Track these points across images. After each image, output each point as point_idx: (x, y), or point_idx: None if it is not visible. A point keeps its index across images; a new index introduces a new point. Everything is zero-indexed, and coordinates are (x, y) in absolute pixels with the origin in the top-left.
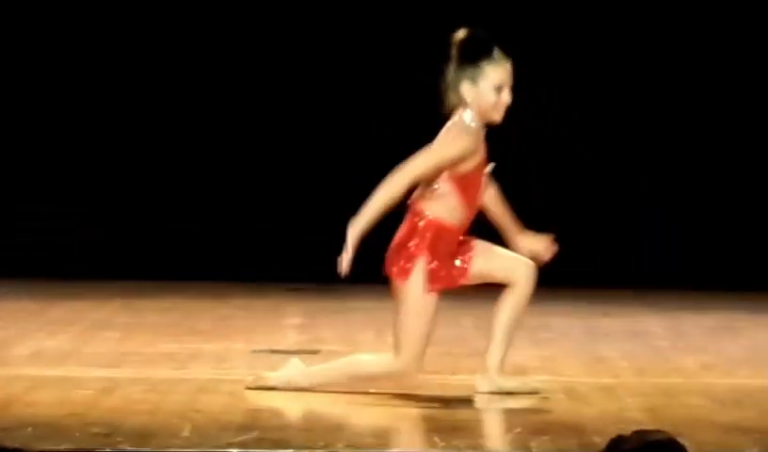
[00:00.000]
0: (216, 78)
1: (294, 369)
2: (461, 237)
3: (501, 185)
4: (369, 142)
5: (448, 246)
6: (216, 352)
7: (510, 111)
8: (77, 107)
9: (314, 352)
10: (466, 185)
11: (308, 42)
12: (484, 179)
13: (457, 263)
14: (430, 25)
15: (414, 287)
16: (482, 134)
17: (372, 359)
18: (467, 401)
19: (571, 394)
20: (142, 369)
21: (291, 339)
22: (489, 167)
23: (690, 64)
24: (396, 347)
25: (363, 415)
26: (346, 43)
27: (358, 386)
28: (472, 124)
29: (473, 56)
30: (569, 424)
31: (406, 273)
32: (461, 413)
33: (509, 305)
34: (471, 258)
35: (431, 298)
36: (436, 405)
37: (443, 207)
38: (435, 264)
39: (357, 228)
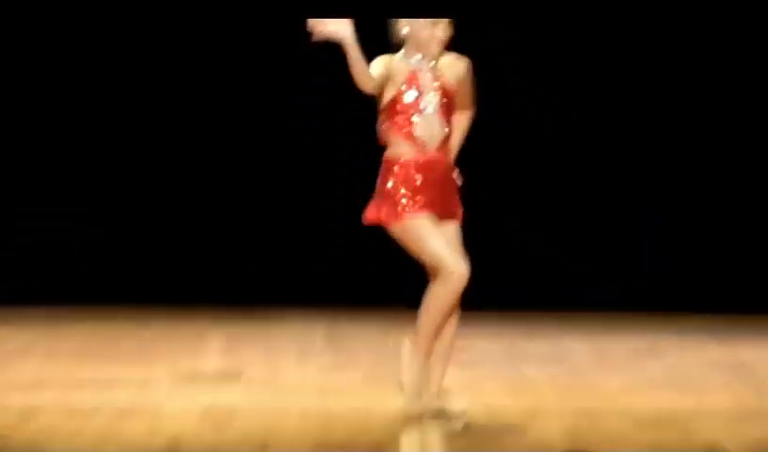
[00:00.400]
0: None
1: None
2: (449, 184)
3: (501, 185)
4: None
5: (413, 178)
6: (136, 378)
7: (511, 112)
8: None
9: (236, 377)
10: (393, 116)
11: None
12: (416, 111)
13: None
14: None
15: (400, 222)
16: (418, 65)
17: (434, 288)
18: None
19: (493, 416)
20: (63, 395)
21: (211, 363)
22: (426, 101)
23: (688, 65)
24: (435, 270)
25: (286, 434)
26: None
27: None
28: (396, 55)
29: None
30: (493, 447)
31: (391, 215)
32: (381, 435)
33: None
34: (444, 219)
35: (420, 221)
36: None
37: (391, 144)
38: (405, 194)
39: (350, 38)
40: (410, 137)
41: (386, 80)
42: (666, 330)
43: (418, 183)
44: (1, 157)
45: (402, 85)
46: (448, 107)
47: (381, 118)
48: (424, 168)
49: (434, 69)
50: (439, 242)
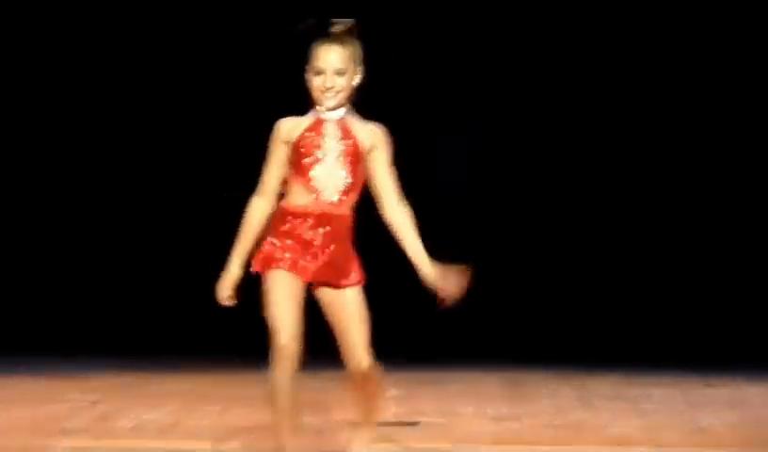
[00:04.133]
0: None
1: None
2: (341, 245)
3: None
4: None
5: (295, 229)
6: (314, 425)
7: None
8: None
9: (413, 424)
10: (292, 165)
11: None
12: (315, 158)
13: (311, 266)
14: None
15: (261, 271)
16: (324, 116)
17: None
18: None
19: None
20: (246, 441)
21: (389, 411)
22: (326, 148)
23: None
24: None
25: None
26: None
27: None
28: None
29: (307, 44)
30: None
31: (256, 262)
32: None
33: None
34: (333, 283)
35: (277, 277)
36: None
37: (288, 191)
38: (276, 244)
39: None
40: (306, 184)
41: (286, 151)
42: None
43: (302, 235)
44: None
45: (302, 136)
46: (353, 160)
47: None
48: (315, 219)
49: (341, 122)
50: (282, 308)
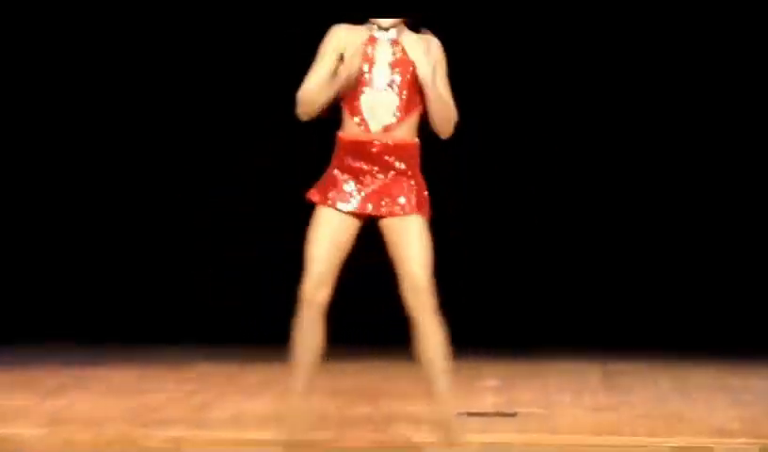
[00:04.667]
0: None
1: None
2: (396, 174)
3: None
4: None
5: (345, 160)
6: (413, 415)
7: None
8: None
9: (512, 415)
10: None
11: None
12: (363, 84)
13: (358, 196)
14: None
15: (315, 201)
16: (377, 35)
17: None
18: None
19: None
20: (340, 432)
21: (487, 401)
22: (375, 74)
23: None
24: None
25: None
26: None
27: None
28: (353, 25)
29: None
30: None
31: (311, 193)
32: None
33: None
34: (392, 213)
35: (324, 217)
36: None
37: (342, 119)
38: (331, 177)
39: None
40: (354, 112)
41: (335, 62)
42: None
43: (355, 166)
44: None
45: (354, 55)
46: (406, 87)
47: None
48: (362, 149)
49: (393, 43)
50: (319, 249)
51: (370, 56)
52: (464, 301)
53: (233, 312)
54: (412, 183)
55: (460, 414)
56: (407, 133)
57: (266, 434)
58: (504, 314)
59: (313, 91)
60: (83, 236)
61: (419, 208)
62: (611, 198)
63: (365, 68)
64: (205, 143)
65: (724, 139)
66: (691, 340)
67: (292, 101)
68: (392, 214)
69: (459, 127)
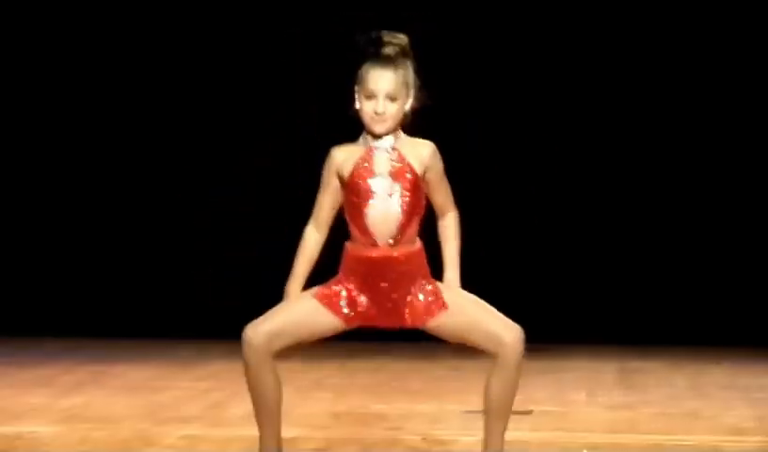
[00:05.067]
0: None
1: None
2: (408, 281)
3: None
4: None
5: (352, 271)
6: (429, 413)
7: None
8: None
9: (527, 413)
10: (346, 205)
11: None
12: (368, 197)
13: (372, 310)
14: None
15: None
16: (375, 145)
17: None
18: None
19: None
20: (355, 430)
21: None
22: (377, 185)
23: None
24: None
25: None
26: None
27: None
28: (349, 144)
29: (359, 59)
30: None
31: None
32: None
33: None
34: (422, 321)
35: (307, 299)
36: None
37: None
38: (332, 285)
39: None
40: (360, 227)
41: (338, 185)
42: None
43: (366, 282)
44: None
45: (354, 172)
46: (408, 194)
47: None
48: (377, 265)
49: (392, 150)
50: (284, 312)
51: (370, 168)
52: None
53: (252, 308)
54: (424, 283)
55: (475, 412)
56: (412, 239)
57: (282, 432)
58: (520, 313)
59: (305, 252)
60: (92, 236)
61: (441, 299)
62: (628, 196)
63: (366, 186)
64: (205, 143)
65: (738, 135)
66: (706, 338)
67: (292, 101)
68: (432, 315)
69: (459, 127)
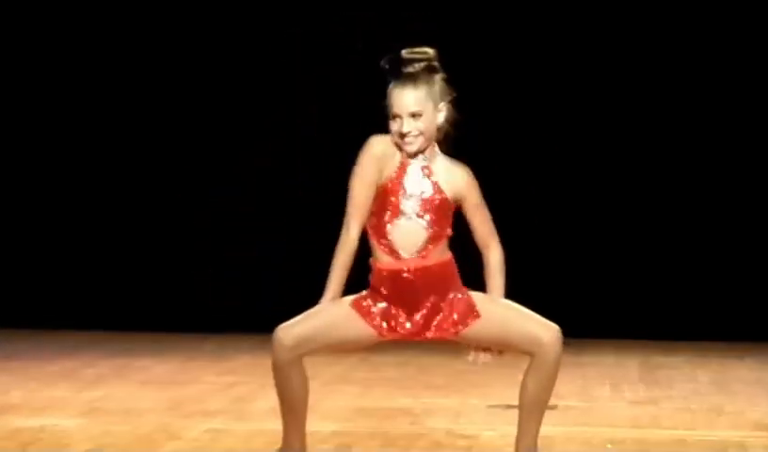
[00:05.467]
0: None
1: None
2: (438, 293)
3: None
4: None
5: (382, 287)
6: (452, 407)
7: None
8: None
9: (551, 408)
10: (373, 216)
11: None
12: (396, 214)
13: (406, 323)
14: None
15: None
16: (407, 160)
17: None
18: None
19: None
20: (379, 424)
21: None
22: (406, 204)
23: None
24: None
25: None
26: None
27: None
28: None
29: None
30: None
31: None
32: None
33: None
34: (455, 331)
35: (342, 306)
36: None
37: (372, 245)
38: (368, 299)
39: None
40: (383, 244)
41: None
42: None
43: (386, 293)
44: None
45: (385, 182)
46: (437, 211)
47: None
48: (400, 277)
49: (424, 168)
50: (315, 321)
51: (402, 184)
52: (504, 295)
53: (276, 302)
54: (456, 293)
55: (498, 407)
56: (440, 253)
57: (307, 426)
58: (544, 307)
59: (339, 262)
60: (109, 233)
61: (473, 304)
62: (655, 191)
63: (399, 197)
64: (205, 143)
65: (748, 128)
66: (730, 334)
67: (291, 101)
68: (466, 324)
69: (460, 127)
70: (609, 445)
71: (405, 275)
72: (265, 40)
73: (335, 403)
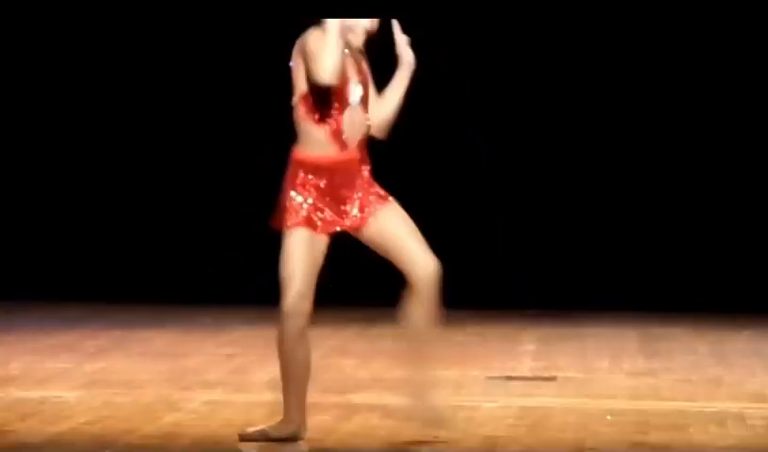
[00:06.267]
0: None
1: None
2: (361, 181)
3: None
4: None
5: (315, 182)
6: (452, 379)
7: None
8: None
9: (550, 379)
10: (317, 107)
11: None
12: (345, 99)
13: (354, 211)
14: None
15: (283, 228)
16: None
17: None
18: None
19: None
20: (379, 396)
21: (526, 366)
22: (355, 92)
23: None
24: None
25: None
26: None
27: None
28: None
29: None
30: None
31: (277, 220)
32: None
33: (414, 317)
34: (370, 215)
35: (295, 237)
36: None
37: (300, 135)
38: (294, 200)
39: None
40: (334, 133)
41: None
42: None
43: (322, 186)
44: None
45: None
46: (367, 100)
47: (301, 103)
48: (335, 168)
49: (354, 56)
50: (294, 266)
51: (346, 73)
52: (502, 267)
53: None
54: (370, 180)
55: (498, 378)
56: (364, 143)
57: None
58: (543, 279)
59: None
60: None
61: (386, 196)
62: (653, 163)
63: (342, 88)
64: (205, 143)
65: (747, 103)
66: (729, 306)
67: (291, 101)
68: (371, 214)
69: (460, 127)
70: (608, 417)
71: (342, 163)
72: (266, 40)
73: (334, 375)
